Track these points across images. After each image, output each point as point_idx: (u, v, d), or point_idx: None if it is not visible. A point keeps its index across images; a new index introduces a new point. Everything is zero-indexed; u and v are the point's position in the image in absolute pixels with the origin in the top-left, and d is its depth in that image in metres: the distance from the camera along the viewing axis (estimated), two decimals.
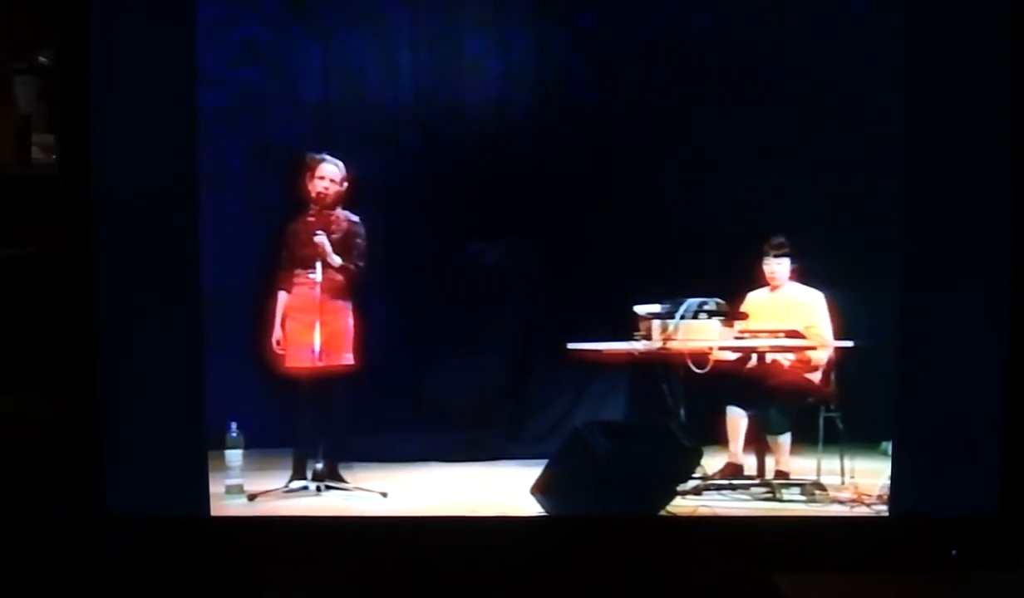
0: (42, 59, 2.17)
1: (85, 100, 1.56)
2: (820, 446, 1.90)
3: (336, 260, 1.93)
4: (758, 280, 1.89)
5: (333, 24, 1.70)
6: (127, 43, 1.56)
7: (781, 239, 1.83)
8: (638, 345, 1.89)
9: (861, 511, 1.69)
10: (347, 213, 1.93)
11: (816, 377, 1.94)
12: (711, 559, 1.66)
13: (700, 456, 1.84)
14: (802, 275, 1.82)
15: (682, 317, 1.87)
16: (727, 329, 1.89)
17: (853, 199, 1.64)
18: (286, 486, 1.89)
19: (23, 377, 1.86)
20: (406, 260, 1.88)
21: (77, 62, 1.55)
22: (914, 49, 1.55)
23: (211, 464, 1.66)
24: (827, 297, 1.76)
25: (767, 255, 1.88)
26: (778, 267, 1.89)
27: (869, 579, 1.69)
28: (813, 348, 1.91)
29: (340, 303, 1.95)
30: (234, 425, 1.79)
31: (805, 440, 1.90)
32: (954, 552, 1.59)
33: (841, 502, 1.75)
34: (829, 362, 1.90)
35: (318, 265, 1.94)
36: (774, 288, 1.90)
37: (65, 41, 1.56)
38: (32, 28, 2.19)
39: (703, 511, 1.76)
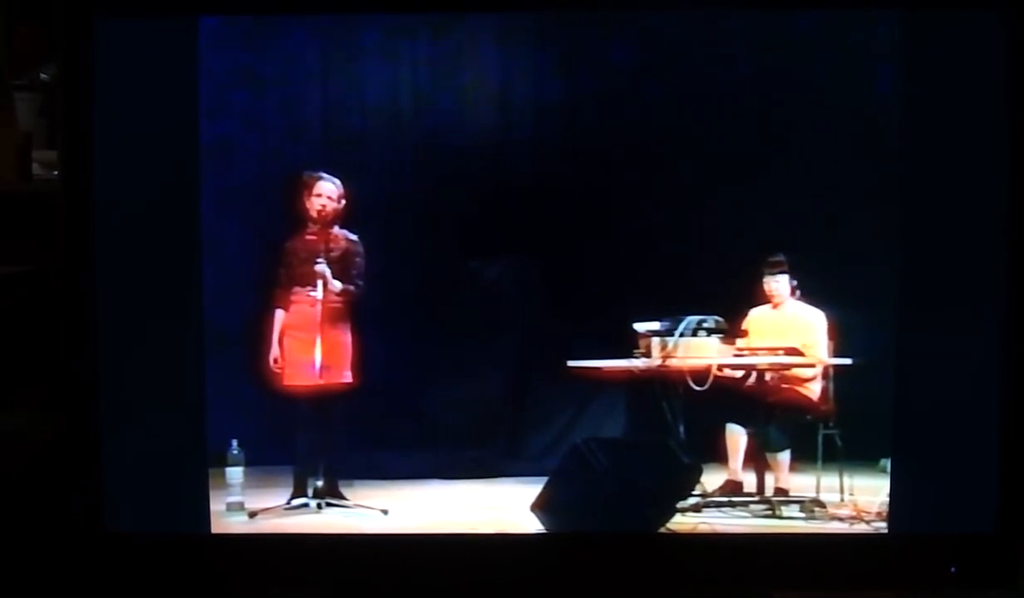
0: (43, 75, 2.18)
1: (87, 117, 1.56)
2: (819, 463, 1.90)
3: (337, 285, 1.93)
4: (757, 297, 1.89)
5: (332, 43, 1.71)
6: (128, 60, 1.56)
7: (778, 257, 1.84)
8: (637, 362, 1.90)
9: (860, 528, 1.70)
10: (345, 232, 1.92)
11: (815, 394, 1.95)
12: (711, 576, 1.67)
13: (700, 473, 1.84)
14: (803, 293, 1.83)
15: (681, 334, 1.88)
16: (726, 346, 1.90)
17: (851, 218, 1.65)
18: (287, 503, 1.88)
19: (24, 394, 1.86)
20: (405, 278, 1.88)
21: (79, 79, 1.56)
22: (911, 70, 1.56)
23: (212, 481, 1.67)
24: (826, 315, 1.77)
25: (765, 273, 1.89)
26: (776, 285, 1.90)
27: (868, 596, 1.70)
28: (811, 365, 1.92)
29: (339, 321, 1.95)
30: (235, 442, 1.79)
31: (804, 457, 1.90)
32: (953, 569, 1.60)
33: (840, 519, 1.75)
34: (827, 380, 1.91)
35: (319, 283, 1.94)
36: (775, 305, 1.91)
37: (67, 58, 1.57)
38: (33, 44, 2.20)
39: (703, 528, 1.76)
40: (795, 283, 1.86)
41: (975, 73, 1.54)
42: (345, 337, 1.93)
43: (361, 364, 1.86)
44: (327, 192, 1.90)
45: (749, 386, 1.96)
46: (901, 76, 1.57)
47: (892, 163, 1.58)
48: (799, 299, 1.85)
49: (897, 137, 1.58)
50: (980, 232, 1.56)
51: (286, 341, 1.95)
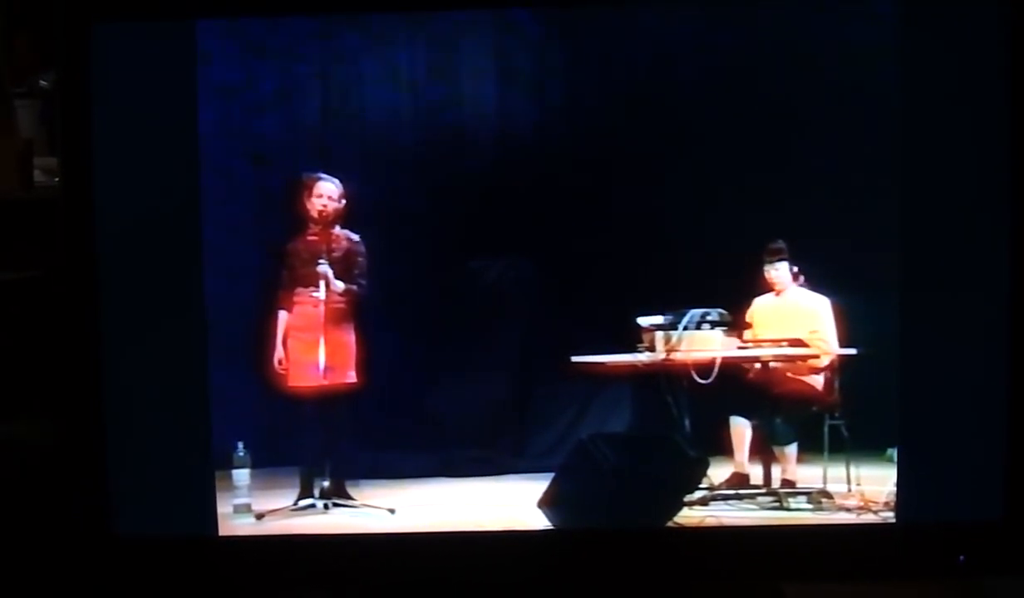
0: (42, 82, 2.18)
1: (87, 123, 1.56)
2: (826, 454, 1.90)
3: (339, 286, 1.94)
4: (760, 288, 1.89)
5: (331, 43, 1.71)
6: (127, 65, 1.56)
7: (777, 244, 1.83)
8: (641, 357, 1.90)
9: (868, 518, 1.69)
10: (347, 232, 1.93)
11: (820, 385, 1.94)
12: (719, 570, 1.66)
13: (706, 466, 1.84)
14: (806, 280, 1.82)
15: (685, 328, 1.88)
16: (730, 339, 1.90)
17: (854, 206, 1.65)
18: (294, 504, 1.89)
19: (28, 400, 1.87)
20: (408, 277, 1.88)
21: (78, 85, 1.56)
22: (911, 56, 1.56)
23: (218, 484, 1.67)
24: (830, 303, 1.76)
25: (765, 262, 1.89)
26: (776, 273, 1.89)
27: (878, 587, 1.69)
28: (816, 356, 1.91)
29: (342, 321, 1.95)
30: (240, 444, 1.79)
31: (811, 448, 1.90)
32: (962, 558, 1.59)
33: (848, 510, 1.75)
34: (833, 369, 1.90)
35: (321, 284, 1.94)
36: (779, 293, 1.90)
37: (66, 64, 1.57)
38: (32, 51, 2.20)
39: (710, 522, 1.76)
40: (796, 269, 1.85)
41: (975, 60, 1.53)
42: (349, 337, 1.94)
43: (365, 364, 1.86)
44: (327, 192, 1.90)
45: (754, 378, 1.95)
46: (901, 62, 1.56)
47: (893, 149, 1.58)
48: (802, 286, 1.84)
49: (897, 123, 1.57)
50: (984, 218, 1.55)
51: (290, 342, 1.95)
